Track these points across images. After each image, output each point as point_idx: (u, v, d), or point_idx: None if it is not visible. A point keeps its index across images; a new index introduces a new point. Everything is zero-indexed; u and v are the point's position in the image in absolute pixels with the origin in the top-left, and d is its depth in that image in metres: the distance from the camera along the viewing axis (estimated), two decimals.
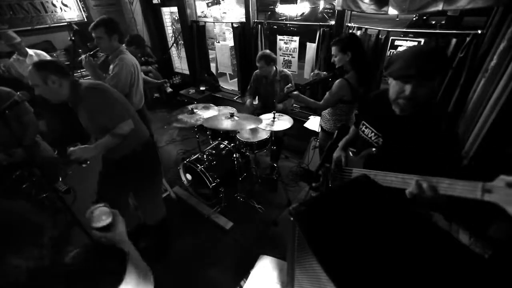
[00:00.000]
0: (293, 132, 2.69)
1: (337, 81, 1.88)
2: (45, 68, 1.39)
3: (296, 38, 2.98)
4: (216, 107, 2.65)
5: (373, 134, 1.22)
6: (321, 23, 2.72)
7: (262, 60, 2.52)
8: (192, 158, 2.54)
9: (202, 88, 4.15)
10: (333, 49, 1.89)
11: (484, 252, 1.68)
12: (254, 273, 1.25)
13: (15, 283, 0.47)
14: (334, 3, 2.71)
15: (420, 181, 0.84)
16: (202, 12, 4.00)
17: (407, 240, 0.62)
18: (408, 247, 0.60)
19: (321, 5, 5.37)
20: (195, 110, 2.48)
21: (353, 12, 2.39)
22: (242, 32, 3.37)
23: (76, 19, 3.91)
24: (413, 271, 0.55)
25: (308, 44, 2.90)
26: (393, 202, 0.71)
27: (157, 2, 4.33)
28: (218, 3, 3.77)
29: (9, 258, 0.48)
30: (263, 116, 2.41)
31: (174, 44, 4.65)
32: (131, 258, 0.69)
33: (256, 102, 3.00)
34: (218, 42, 3.94)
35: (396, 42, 2.25)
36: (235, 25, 3.36)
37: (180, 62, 4.85)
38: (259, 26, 3.17)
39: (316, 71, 2.42)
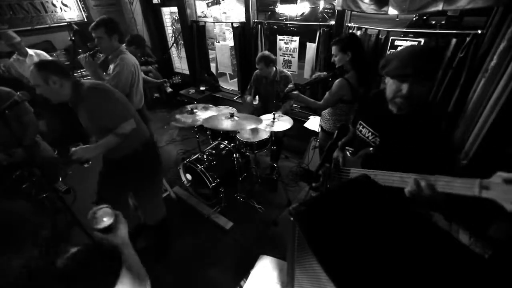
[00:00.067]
0: (293, 132, 2.69)
1: (337, 80, 1.88)
2: (47, 69, 1.39)
3: (296, 38, 2.98)
4: (215, 107, 2.65)
5: (370, 134, 1.22)
6: (321, 23, 2.72)
7: (262, 62, 2.51)
8: (192, 158, 2.54)
9: (202, 88, 4.15)
10: (333, 49, 1.90)
11: (484, 252, 1.68)
12: (254, 273, 1.25)
13: (15, 283, 0.47)
14: (334, 3, 2.71)
15: (418, 179, 0.84)
16: (202, 12, 4.00)
17: (407, 240, 0.62)
18: (408, 247, 0.60)
19: (321, 5, 5.36)
20: (194, 110, 2.48)
21: (353, 12, 2.39)
22: (242, 32, 3.37)
23: (76, 19, 3.91)
24: (413, 271, 0.55)
25: (308, 44, 2.90)
26: (393, 202, 0.71)
27: (157, 2, 4.33)
28: (218, 3, 3.77)
29: (9, 258, 0.48)
30: (263, 117, 2.41)
31: (174, 44, 4.66)
32: (126, 261, 0.69)
33: (256, 102, 3.00)
34: (218, 42, 3.94)
35: (396, 42, 2.25)
36: (235, 25, 3.36)
37: (180, 62, 4.85)
38: (259, 26, 3.17)
39: (316, 74, 2.42)
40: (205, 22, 3.90)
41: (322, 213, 0.69)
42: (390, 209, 0.71)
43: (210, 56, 4.38)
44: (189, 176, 2.68)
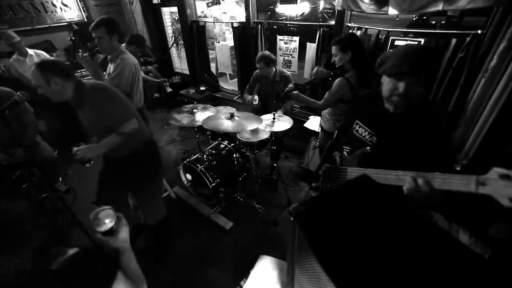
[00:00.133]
0: (293, 132, 2.69)
1: (337, 80, 1.88)
2: (48, 70, 1.38)
3: (296, 38, 2.98)
4: (213, 108, 2.64)
5: (367, 133, 1.22)
6: (321, 23, 2.72)
7: (262, 61, 2.51)
8: (192, 158, 2.54)
9: (202, 88, 4.15)
10: (333, 49, 1.90)
11: (484, 252, 1.68)
12: (254, 273, 1.25)
13: (15, 283, 0.47)
14: (334, 3, 2.71)
15: (415, 177, 0.84)
16: (202, 12, 4.00)
17: (407, 240, 0.62)
18: (408, 247, 0.60)
19: (321, 5, 5.35)
20: (194, 111, 2.47)
21: (353, 12, 2.39)
22: (242, 32, 3.37)
23: (76, 19, 3.91)
24: (413, 271, 0.55)
25: (308, 44, 2.90)
26: (393, 202, 0.71)
27: (157, 2, 4.33)
28: (218, 3, 3.76)
29: (9, 258, 0.48)
30: (263, 117, 2.41)
31: (174, 44, 4.66)
32: (124, 265, 0.68)
33: (256, 102, 3.00)
34: (218, 42, 3.94)
35: (396, 42, 2.25)
36: (235, 25, 3.36)
37: (180, 62, 4.85)
38: (259, 26, 3.17)
39: (318, 68, 2.41)
40: (205, 22, 3.90)
41: (322, 213, 0.69)
42: (390, 209, 0.71)
43: (210, 56, 4.38)
44: (189, 176, 2.68)
